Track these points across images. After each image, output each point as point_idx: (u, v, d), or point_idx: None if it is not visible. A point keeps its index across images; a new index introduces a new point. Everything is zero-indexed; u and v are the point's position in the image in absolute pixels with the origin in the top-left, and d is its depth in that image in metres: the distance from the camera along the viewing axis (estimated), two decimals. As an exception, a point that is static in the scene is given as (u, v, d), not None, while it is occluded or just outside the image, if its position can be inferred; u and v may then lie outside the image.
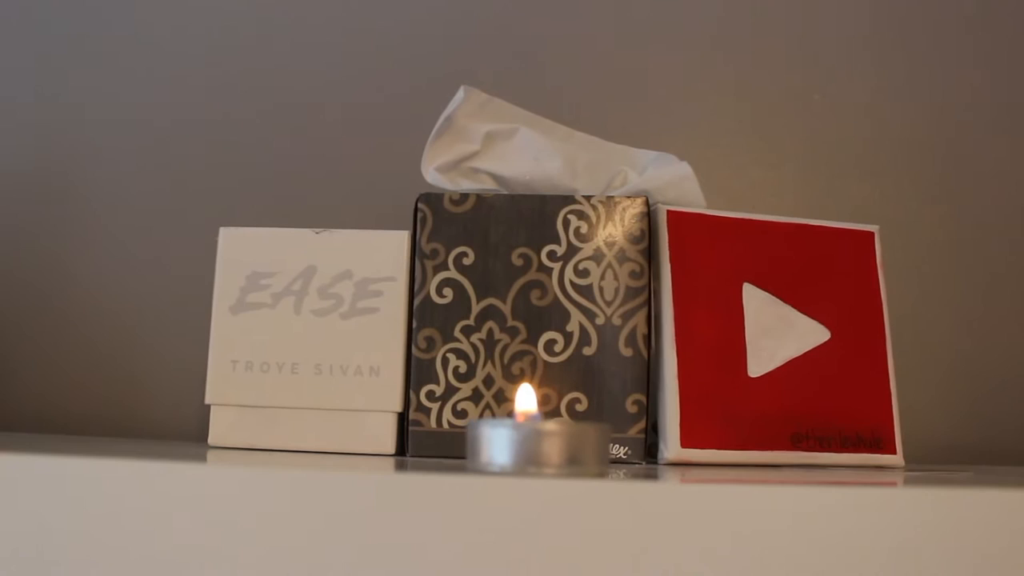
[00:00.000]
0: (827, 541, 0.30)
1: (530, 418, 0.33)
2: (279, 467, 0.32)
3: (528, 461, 0.30)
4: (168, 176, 0.73)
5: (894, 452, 0.53)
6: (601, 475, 0.30)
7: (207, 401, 0.52)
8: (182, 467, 0.32)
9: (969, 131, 0.74)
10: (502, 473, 0.30)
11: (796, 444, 0.52)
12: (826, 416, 0.53)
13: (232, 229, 0.54)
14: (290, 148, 0.73)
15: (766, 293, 0.53)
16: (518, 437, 0.30)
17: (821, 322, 0.54)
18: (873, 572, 0.30)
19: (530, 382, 0.51)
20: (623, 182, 0.56)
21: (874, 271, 0.55)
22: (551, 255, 0.52)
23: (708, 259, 0.53)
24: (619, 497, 0.29)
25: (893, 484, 0.38)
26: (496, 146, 0.56)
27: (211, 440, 0.52)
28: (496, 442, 0.30)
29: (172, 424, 0.68)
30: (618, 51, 0.74)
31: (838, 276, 0.55)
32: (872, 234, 0.56)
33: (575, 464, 0.30)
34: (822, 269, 0.55)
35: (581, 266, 0.52)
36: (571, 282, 0.52)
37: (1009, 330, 0.72)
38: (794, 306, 0.54)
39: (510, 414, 0.51)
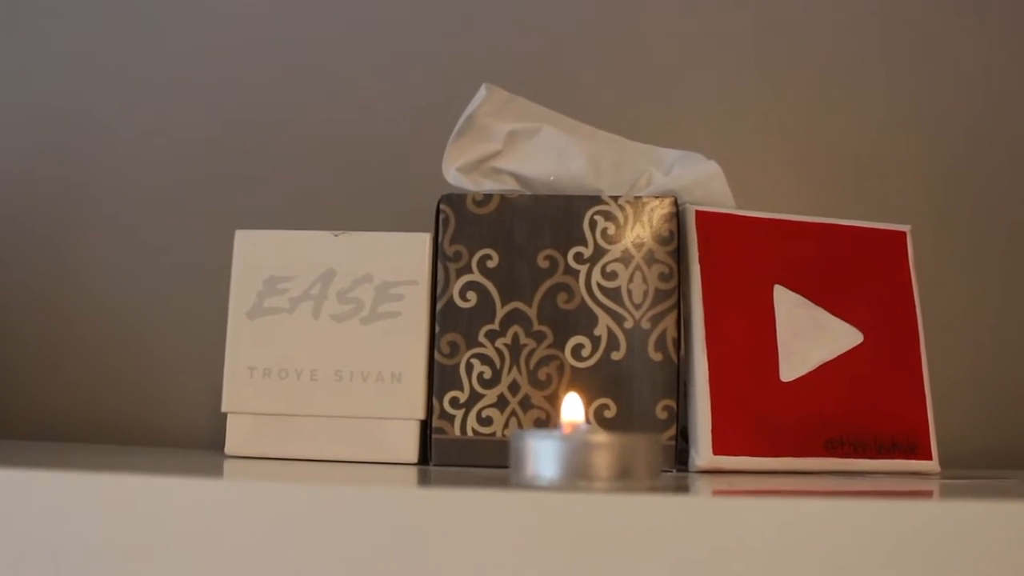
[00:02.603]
0: (869, 554, 0.29)
1: (577, 429, 0.31)
2: (298, 481, 0.31)
3: (577, 475, 0.28)
4: (183, 178, 0.71)
5: (930, 458, 0.52)
6: (653, 489, 0.29)
7: (223, 409, 0.51)
8: (194, 483, 0.30)
9: (1003, 128, 0.73)
10: (550, 488, 0.29)
11: (830, 450, 0.50)
12: (860, 421, 0.51)
13: (248, 232, 0.52)
14: (309, 148, 0.71)
15: (797, 295, 0.52)
16: (567, 449, 0.28)
17: (853, 324, 0.53)
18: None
19: (557, 388, 0.49)
20: (648, 182, 0.54)
21: (906, 272, 0.54)
22: (578, 257, 0.50)
23: (738, 260, 0.51)
24: (674, 512, 0.28)
25: (929, 495, 0.36)
26: (519, 145, 0.54)
27: (228, 449, 0.51)
28: (543, 454, 0.29)
29: (188, 433, 0.66)
30: (643, 50, 0.73)
31: (870, 277, 0.53)
32: (904, 234, 0.55)
33: (626, 478, 0.29)
34: (853, 270, 0.53)
35: (608, 268, 0.50)
36: (598, 285, 0.50)
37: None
38: (826, 308, 0.52)
39: (538, 422, 0.49)
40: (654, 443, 0.30)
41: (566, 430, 0.31)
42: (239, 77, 0.72)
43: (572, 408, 0.32)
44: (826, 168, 0.72)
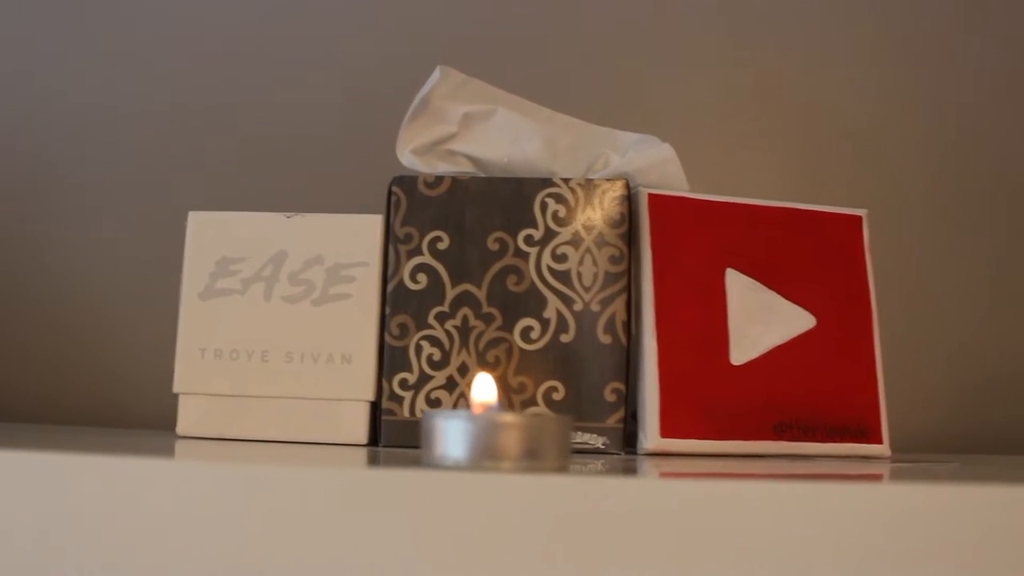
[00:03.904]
0: (795, 536, 0.29)
1: (488, 409, 0.31)
2: (226, 461, 0.31)
3: (484, 455, 0.28)
4: (139, 160, 0.71)
5: (880, 442, 0.52)
6: (562, 469, 0.29)
7: (175, 390, 0.51)
8: (146, 462, 0.30)
9: (962, 115, 0.72)
10: (456, 467, 0.29)
11: (780, 434, 0.50)
12: (811, 405, 0.51)
13: (201, 213, 0.52)
14: (264, 129, 0.71)
15: (750, 279, 0.52)
16: (474, 429, 0.28)
17: (807, 308, 0.52)
18: (851, 569, 0.29)
19: (506, 370, 0.49)
20: (605, 164, 0.54)
21: (862, 256, 0.54)
22: (528, 239, 0.50)
23: (690, 243, 0.51)
24: (579, 492, 0.28)
25: (878, 478, 0.36)
26: (474, 127, 0.54)
27: (179, 430, 0.51)
28: (450, 435, 0.29)
29: (142, 412, 0.67)
30: (610, 32, 0.72)
31: (825, 261, 0.53)
32: (860, 218, 0.55)
33: (534, 458, 0.29)
34: (808, 254, 0.53)
35: (559, 251, 0.50)
36: (548, 267, 0.50)
37: (1000, 319, 0.71)
38: (779, 292, 0.52)
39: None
40: (564, 425, 0.30)
41: (476, 410, 0.31)
42: (197, 58, 0.72)
43: (483, 389, 0.33)
44: (792, 153, 0.72)
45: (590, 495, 0.28)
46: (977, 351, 0.70)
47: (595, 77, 0.72)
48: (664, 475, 0.31)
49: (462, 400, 0.49)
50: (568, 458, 0.31)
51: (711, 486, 0.30)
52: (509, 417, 0.29)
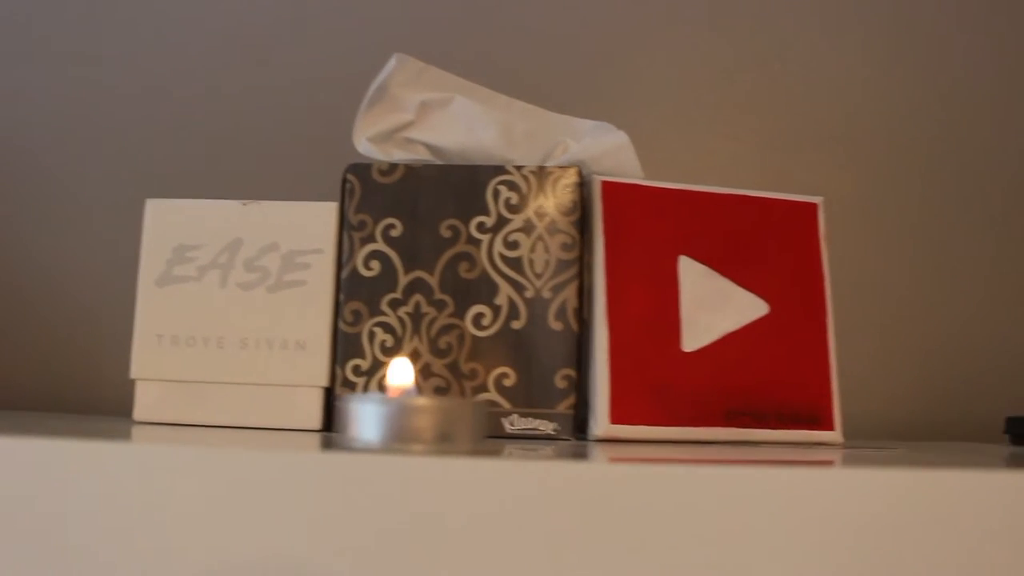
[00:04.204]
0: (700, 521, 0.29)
1: (404, 393, 0.32)
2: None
3: (395, 438, 0.29)
4: (97, 148, 0.72)
5: (832, 428, 0.52)
6: (473, 453, 0.29)
7: (132, 375, 0.51)
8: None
9: (940, 106, 0.72)
10: (365, 450, 0.29)
11: (730, 420, 0.51)
12: (762, 392, 0.51)
13: (159, 201, 0.53)
14: (224, 117, 0.72)
15: (703, 266, 0.52)
16: (384, 413, 0.29)
17: (760, 296, 0.53)
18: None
19: (457, 356, 0.50)
20: (564, 152, 0.54)
21: (817, 244, 0.54)
22: (480, 227, 0.51)
23: (643, 231, 0.52)
24: (487, 475, 0.28)
25: (822, 463, 0.36)
26: (431, 116, 0.54)
27: (136, 415, 0.51)
28: (363, 418, 0.29)
29: (101, 399, 0.67)
30: (573, 19, 0.73)
31: (779, 249, 0.53)
32: (815, 206, 0.55)
33: (445, 441, 0.29)
34: (763, 241, 0.53)
35: (511, 238, 0.50)
36: (500, 254, 0.50)
37: (954, 307, 0.71)
38: (732, 279, 0.53)
39: (438, 390, 0.50)
40: (478, 408, 0.30)
41: (392, 394, 0.31)
42: (154, 48, 0.72)
43: (399, 373, 0.33)
44: (760, 140, 0.72)
45: (498, 478, 0.28)
46: (933, 338, 0.70)
47: (558, 65, 0.72)
48: (573, 458, 0.31)
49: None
50: (482, 441, 0.31)
51: (615, 470, 0.30)
52: (421, 400, 0.29)
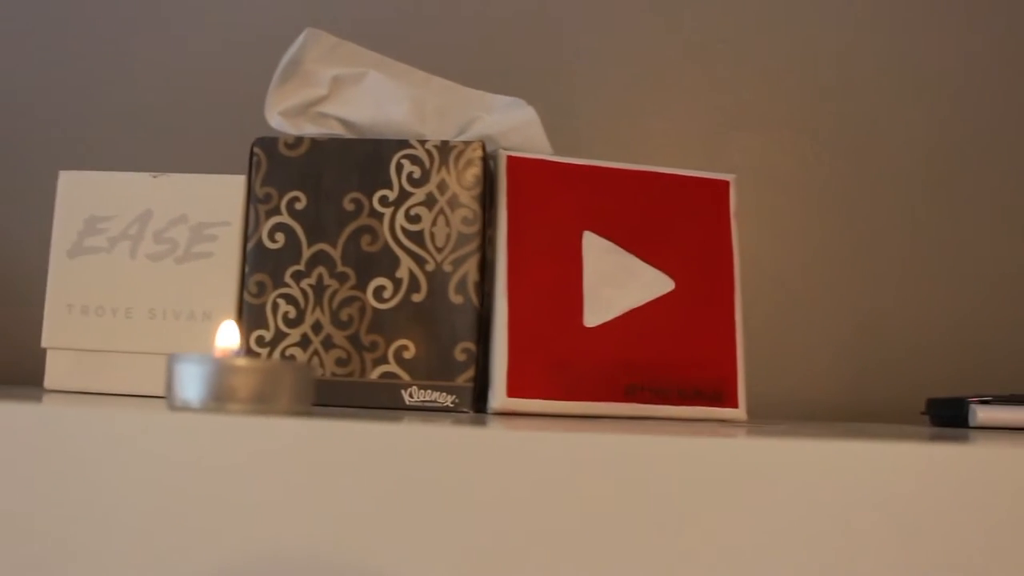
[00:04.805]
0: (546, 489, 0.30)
1: (228, 355, 0.32)
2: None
3: (215, 397, 0.29)
4: (12, 120, 0.73)
5: (736, 406, 0.52)
6: (293, 413, 0.30)
7: (43, 345, 0.52)
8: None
9: (883, 84, 0.72)
10: (184, 408, 0.30)
11: (630, 396, 0.51)
12: (665, 368, 0.51)
13: (71, 172, 0.53)
14: (142, 90, 0.72)
15: (608, 242, 0.52)
16: (205, 373, 0.29)
17: (667, 272, 0.53)
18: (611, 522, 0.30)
19: (359, 328, 0.50)
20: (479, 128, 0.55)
21: (727, 222, 0.54)
22: (383, 200, 0.51)
23: (548, 206, 0.52)
24: (290, 435, 0.29)
25: (704, 433, 0.37)
26: (344, 91, 0.55)
27: (47, 384, 0.52)
28: (186, 378, 0.30)
29: (11, 368, 0.68)
30: (523, 2, 0.73)
31: (688, 225, 0.53)
32: (727, 183, 0.55)
33: (263, 402, 0.29)
34: (672, 218, 0.53)
35: (412, 211, 0.51)
36: (402, 228, 0.51)
37: (874, 289, 0.70)
38: (639, 255, 0.53)
39: (339, 361, 0.50)
40: (301, 371, 0.31)
41: (217, 355, 0.32)
42: (67, 23, 0.73)
43: (226, 335, 0.33)
44: (698, 120, 0.71)
45: (310, 437, 0.29)
46: (870, 327, 0.70)
47: (502, 47, 0.72)
48: (382, 420, 0.32)
49: (315, 357, 0.50)
50: (306, 404, 0.31)
51: (419, 431, 0.30)
52: (240, 361, 0.30)
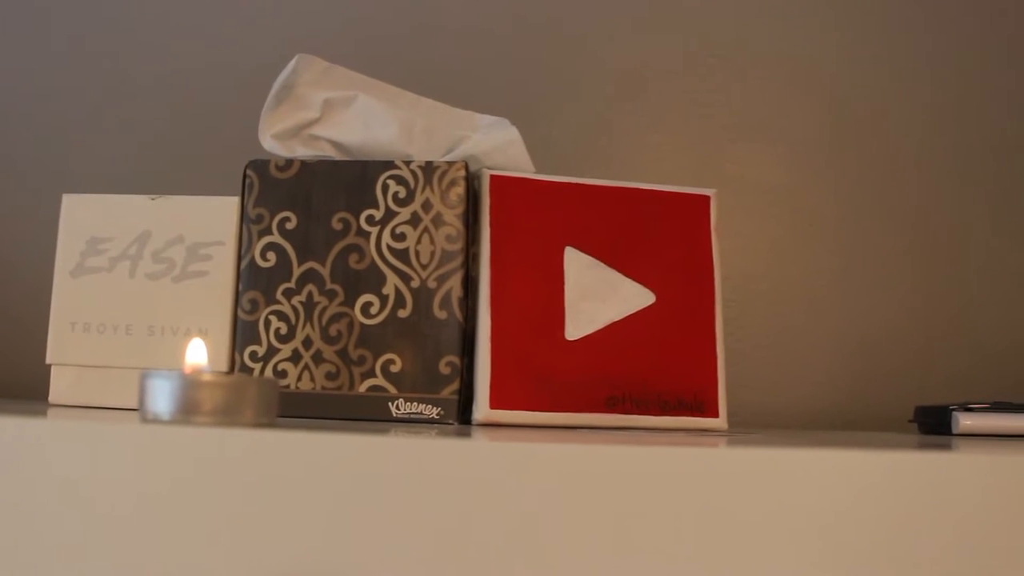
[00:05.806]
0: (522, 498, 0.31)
1: (196, 371, 0.34)
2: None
3: (182, 410, 0.31)
4: (16, 146, 0.75)
5: (716, 415, 0.53)
6: (258, 425, 0.31)
7: (48, 361, 0.54)
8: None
9: (866, 86, 0.73)
10: (155, 420, 0.31)
11: (612, 407, 0.52)
12: (645, 379, 0.53)
13: (74, 196, 0.56)
14: (142, 114, 0.75)
15: (589, 257, 0.54)
16: (174, 387, 0.31)
17: (648, 286, 0.54)
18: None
19: (347, 343, 0.52)
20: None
21: (707, 236, 0.55)
22: (369, 219, 0.53)
23: (530, 223, 0.53)
24: (256, 446, 0.30)
25: (680, 443, 0.38)
26: (335, 113, 0.57)
27: (52, 398, 0.54)
28: (157, 392, 0.31)
29: (18, 383, 0.71)
30: (500, 16, 0.74)
31: (669, 240, 0.55)
32: (708, 198, 0.56)
33: (229, 414, 0.31)
34: (651, 233, 0.54)
35: (398, 230, 0.53)
36: (388, 246, 0.52)
37: (863, 299, 0.71)
38: (620, 270, 0.54)
39: (328, 375, 0.52)
40: (265, 385, 0.32)
41: (187, 371, 0.34)
42: (69, 44, 0.76)
43: (194, 352, 0.35)
44: (692, 135, 0.73)
45: (273, 449, 0.30)
46: (858, 337, 0.71)
47: (486, 65, 0.74)
48: (342, 432, 0.33)
49: (306, 371, 0.52)
50: (271, 417, 0.33)
51: (379, 442, 0.32)
52: (207, 376, 0.31)
